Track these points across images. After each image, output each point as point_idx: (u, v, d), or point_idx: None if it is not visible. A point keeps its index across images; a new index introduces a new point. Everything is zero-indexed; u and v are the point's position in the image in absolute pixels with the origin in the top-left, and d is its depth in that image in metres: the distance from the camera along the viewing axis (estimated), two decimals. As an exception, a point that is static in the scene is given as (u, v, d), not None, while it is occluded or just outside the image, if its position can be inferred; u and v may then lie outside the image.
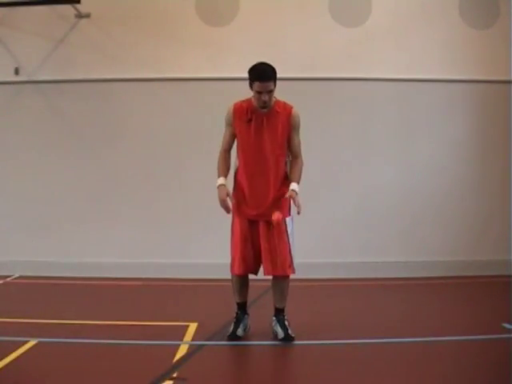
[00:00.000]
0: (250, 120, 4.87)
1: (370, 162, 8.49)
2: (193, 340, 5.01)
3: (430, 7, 8.41)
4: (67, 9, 8.29)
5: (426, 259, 8.34)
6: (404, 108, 8.52)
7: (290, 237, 4.93)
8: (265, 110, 4.84)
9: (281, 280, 4.98)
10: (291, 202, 4.87)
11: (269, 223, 4.82)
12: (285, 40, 8.31)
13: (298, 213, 4.79)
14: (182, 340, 4.98)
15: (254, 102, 4.86)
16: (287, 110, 4.92)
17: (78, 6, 8.19)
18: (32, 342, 4.81)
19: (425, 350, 4.76)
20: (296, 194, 4.77)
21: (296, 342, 4.92)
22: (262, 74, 4.75)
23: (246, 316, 5.10)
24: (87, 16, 8.42)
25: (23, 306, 6.37)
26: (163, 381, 3.99)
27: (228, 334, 4.98)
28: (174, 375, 4.12)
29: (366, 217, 8.42)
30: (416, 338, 5.08)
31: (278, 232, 4.86)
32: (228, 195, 4.78)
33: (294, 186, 4.82)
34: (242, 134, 4.90)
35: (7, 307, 6.29)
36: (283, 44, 8.29)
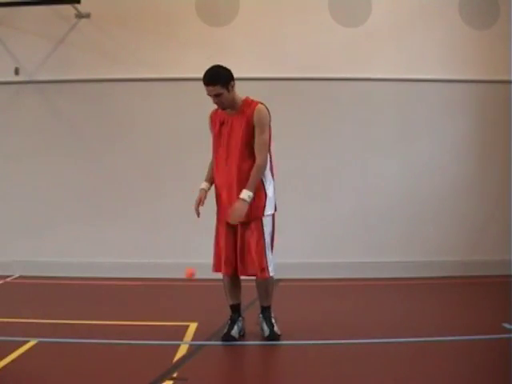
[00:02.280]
0: (222, 124, 4.91)
1: (369, 162, 8.49)
2: (193, 340, 5.01)
3: (430, 7, 8.40)
4: (67, 9, 8.29)
5: (426, 259, 8.34)
6: (404, 108, 8.52)
7: (266, 237, 4.87)
8: (232, 112, 4.85)
9: (260, 281, 4.95)
10: (267, 201, 4.84)
11: (243, 224, 4.82)
12: (285, 40, 8.31)
13: (227, 222, 4.83)
14: (182, 340, 4.98)
15: None
16: (252, 107, 4.83)
17: (77, 6, 8.19)
18: (32, 342, 4.81)
19: (425, 350, 4.76)
20: (240, 201, 4.66)
21: (296, 342, 4.93)
22: (204, 77, 4.81)
23: (240, 318, 5.07)
24: (87, 16, 8.42)
25: (23, 306, 6.37)
26: (163, 381, 4.00)
27: (222, 334, 4.95)
28: (174, 375, 4.13)
29: (366, 217, 8.42)
30: (416, 338, 5.08)
31: (254, 232, 4.84)
32: (201, 200, 4.98)
33: (243, 193, 4.69)
34: (214, 139, 4.97)
35: (7, 307, 6.29)
36: (283, 44, 8.29)
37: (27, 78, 8.50)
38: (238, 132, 4.80)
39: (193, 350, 4.70)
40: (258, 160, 4.77)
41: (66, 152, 8.49)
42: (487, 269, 8.22)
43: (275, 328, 4.94)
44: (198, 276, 7.94)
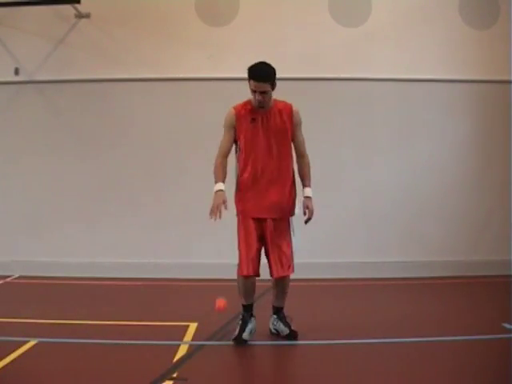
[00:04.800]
0: (254, 120, 4.84)
1: (370, 162, 8.49)
2: (193, 340, 5.01)
3: (430, 7, 8.40)
4: (67, 9, 8.30)
5: (426, 259, 8.34)
6: (404, 108, 8.52)
7: (292, 236, 4.95)
8: (263, 110, 4.83)
9: (284, 280, 4.96)
10: (296, 200, 4.93)
11: (276, 221, 4.84)
12: (285, 40, 8.31)
13: (309, 219, 4.89)
14: (182, 340, 4.98)
15: (253, 102, 4.85)
16: (287, 107, 4.92)
17: (77, 6, 8.20)
18: (32, 342, 4.81)
19: (425, 350, 4.76)
20: (310, 200, 4.90)
21: (296, 342, 4.93)
22: (258, 73, 4.73)
23: (252, 318, 5.02)
24: (87, 16, 8.43)
25: (23, 306, 6.36)
26: (163, 381, 4.00)
27: (233, 337, 4.89)
28: (174, 375, 4.12)
29: (366, 217, 8.42)
30: (416, 338, 5.08)
31: (283, 231, 4.88)
32: (224, 203, 4.63)
33: (307, 191, 4.93)
34: (247, 135, 4.84)
35: (7, 307, 6.29)
36: (283, 44, 8.29)
37: (27, 78, 8.50)
38: (279, 128, 4.85)
39: (193, 350, 4.70)
40: (307, 158, 5.04)
41: (65, 152, 8.50)
42: (487, 269, 8.22)
43: (292, 327, 5.00)
44: (198, 276, 8.01)
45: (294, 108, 4.93)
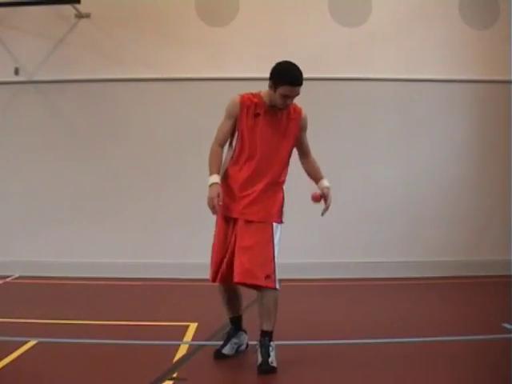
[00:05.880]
0: (258, 115, 4.47)
1: (370, 162, 8.49)
2: (193, 340, 5.01)
3: (430, 7, 8.41)
4: (67, 9, 8.30)
5: (426, 259, 8.34)
6: (404, 108, 8.53)
7: (276, 245, 4.39)
8: (282, 110, 4.46)
9: (265, 294, 4.31)
10: (282, 207, 4.53)
11: (251, 223, 4.34)
12: (285, 40, 8.30)
13: (328, 208, 4.58)
14: (181, 340, 4.98)
15: (271, 101, 4.43)
16: (297, 110, 4.60)
17: (77, 6, 8.20)
18: (32, 342, 4.81)
19: (425, 350, 4.76)
20: (329, 189, 4.61)
21: (296, 342, 4.92)
22: (295, 78, 4.32)
23: (239, 333, 4.62)
24: (87, 16, 8.43)
25: (23, 306, 6.36)
26: (163, 381, 3.99)
27: (215, 349, 4.57)
28: (174, 375, 4.12)
29: (366, 217, 8.42)
30: (416, 338, 5.08)
31: (264, 234, 4.35)
32: (218, 195, 4.27)
33: (326, 182, 4.64)
34: (247, 129, 4.44)
35: (7, 307, 6.29)
36: (283, 44, 8.27)
37: (27, 78, 8.50)
38: (285, 129, 4.51)
39: (193, 350, 4.69)
40: (313, 157, 4.81)
41: (65, 152, 8.50)
42: (487, 269, 8.23)
43: (270, 359, 4.25)
44: (197, 276, 8.00)
45: (303, 113, 4.61)
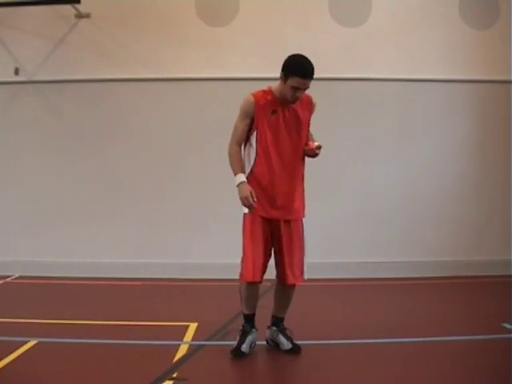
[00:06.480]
0: (275, 112, 4.46)
1: (370, 162, 8.49)
2: (193, 340, 5.00)
3: (430, 7, 8.41)
4: (67, 9, 8.30)
5: (426, 259, 8.34)
6: (404, 108, 8.52)
7: (304, 241, 4.63)
8: (294, 104, 4.50)
9: (290, 288, 4.65)
10: (304, 201, 4.63)
11: (288, 223, 4.51)
12: (285, 40, 8.29)
13: (319, 147, 4.55)
14: (181, 340, 4.98)
15: (282, 94, 4.46)
16: (308, 98, 4.64)
17: (77, 6, 8.20)
18: (32, 342, 4.81)
19: (425, 350, 4.76)
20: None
21: (296, 342, 4.91)
22: (306, 71, 4.41)
23: (253, 330, 4.67)
24: (87, 16, 8.43)
25: (23, 306, 6.36)
26: (163, 381, 4.00)
27: (232, 348, 4.57)
28: (174, 375, 4.12)
29: (366, 216, 8.41)
30: (416, 337, 5.08)
31: (297, 236, 4.56)
32: (251, 193, 4.36)
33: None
34: (267, 127, 4.45)
35: (7, 307, 6.29)
36: (283, 44, 8.25)
37: (27, 78, 8.50)
38: (300, 122, 4.55)
39: (193, 350, 4.69)
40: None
41: (65, 152, 8.50)
42: (487, 269, 8.23)
43: (294, 340, 4.66)
44: (198, 276, 8.01)
45: (313, 100, 4.66)
